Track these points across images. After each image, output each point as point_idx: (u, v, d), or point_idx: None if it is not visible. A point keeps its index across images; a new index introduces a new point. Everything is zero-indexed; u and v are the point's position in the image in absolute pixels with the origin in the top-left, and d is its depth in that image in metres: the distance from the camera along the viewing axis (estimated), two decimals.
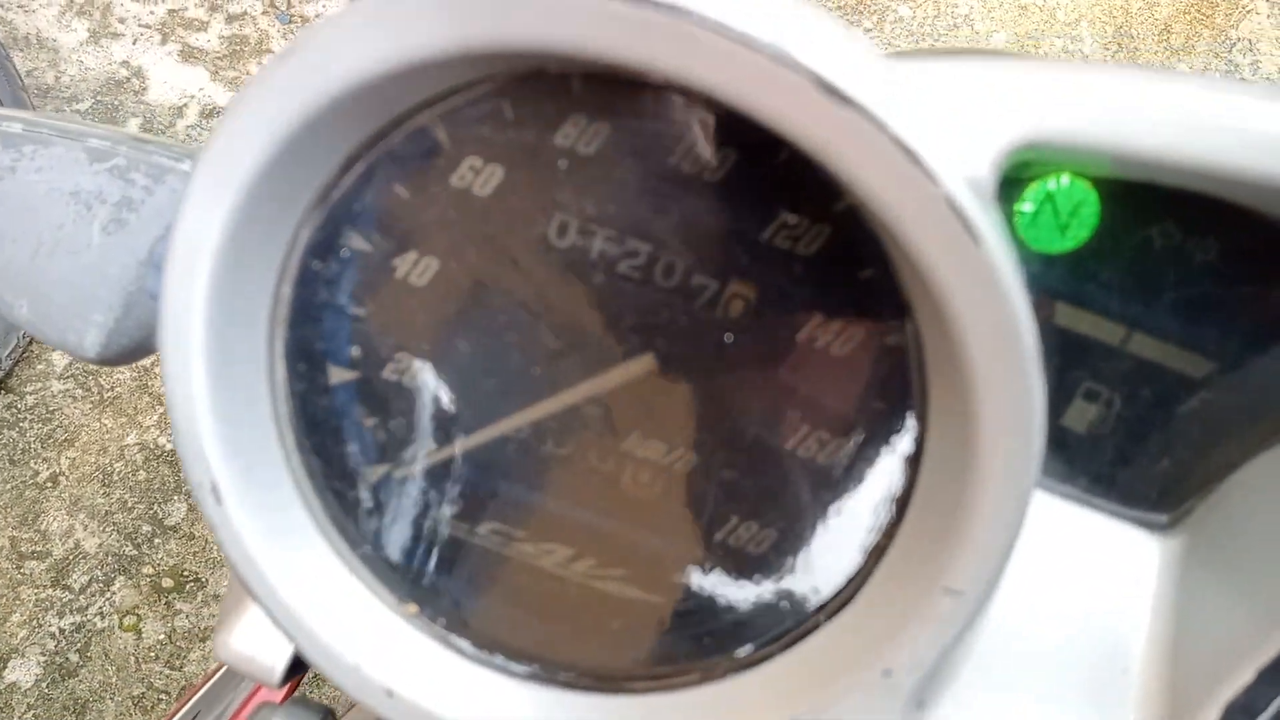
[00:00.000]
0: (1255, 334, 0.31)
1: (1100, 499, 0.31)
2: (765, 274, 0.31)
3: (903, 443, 0.29)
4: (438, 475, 0.35)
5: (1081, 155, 0.26)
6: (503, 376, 0.33)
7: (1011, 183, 0.32)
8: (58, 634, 1.53)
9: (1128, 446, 0.32)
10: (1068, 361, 0.32)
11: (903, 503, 0.29)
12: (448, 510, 0.35)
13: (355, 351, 0.33)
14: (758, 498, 0.33)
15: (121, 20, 1.62)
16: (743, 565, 0.33)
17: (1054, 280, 0.32)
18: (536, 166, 0.30)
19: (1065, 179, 0.31)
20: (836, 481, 0.32)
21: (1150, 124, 0.25)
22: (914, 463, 0.29)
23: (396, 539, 0.35)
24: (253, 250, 0.27)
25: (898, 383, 0.29)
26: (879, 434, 0.31)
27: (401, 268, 0.32)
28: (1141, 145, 0.24)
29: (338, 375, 0.34)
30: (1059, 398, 0.32)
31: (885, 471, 0.30)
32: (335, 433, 0.34)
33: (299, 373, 0.32)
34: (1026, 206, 0.32)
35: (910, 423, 0.29)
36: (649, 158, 0.30)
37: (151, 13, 1.62)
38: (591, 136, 0.30)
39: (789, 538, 0.32)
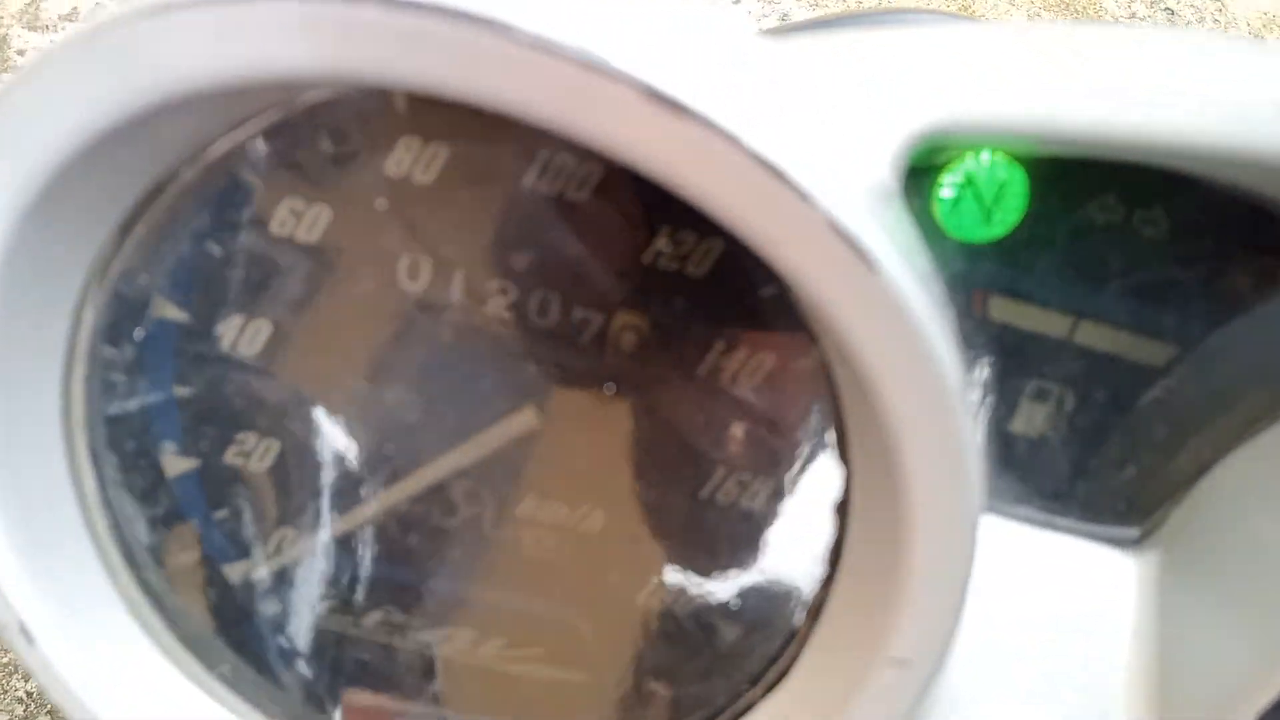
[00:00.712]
0: (1216, 311, 0.28)
1: (1061, 517, 0.27)
2: (654, 301, 0.27)
3: (829, 487, 0.25)
4: (307, 565, 0.30)
5: (999, 138, 0.22)
6: (367, 448, 0.28)
7: (927, 168, 0.28)
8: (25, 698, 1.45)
9: (1086, 452, 0.28)
10: (1010, 360, 0.28)
11: (836, 558, 0.25)
12: (324, 604, 0.30)
13: (187, 438, 0.28)
14: (678, 554, 0.29)
15: None
16: (668, 632, 0.29)
17: (985, 272, 0.28)
18: (369, 202, 0.26)
19: (986, 157, 0.27)
20: (764, 531, 0.28)
21: (1076, 98, 0.21)
22: (843, 511, 0.24)
23: (266, 647, 0.30)
24: (16, 349, 0.22)
25: (816, 416, 0.25)
26: (801, 476, 0.27)
27: (227, 335, 0.27)
28: (1067, 123, 0.20)
29: (173, 466, 0.29)
30: (1004, 401, 0.29)
31: (814, 520, 0.26)
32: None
33: (116, 474, 0.27)
34: (946, 192, 0.28)
35: (834, 463, 0.25)
36: (499, 180, 0.25)
37: None
38: (429, 161, 0.25)
39: (716, 597, 0.28)
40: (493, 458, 0.28)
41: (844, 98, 0.20)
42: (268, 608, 0.31)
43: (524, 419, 0.27)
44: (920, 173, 0.28)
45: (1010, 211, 0.28)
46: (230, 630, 0.31)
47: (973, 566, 0.21)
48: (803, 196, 0.16)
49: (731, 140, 0.16)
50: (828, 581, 0.25)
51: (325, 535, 0.29)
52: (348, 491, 0.30)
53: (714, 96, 0.16)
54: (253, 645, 0.31)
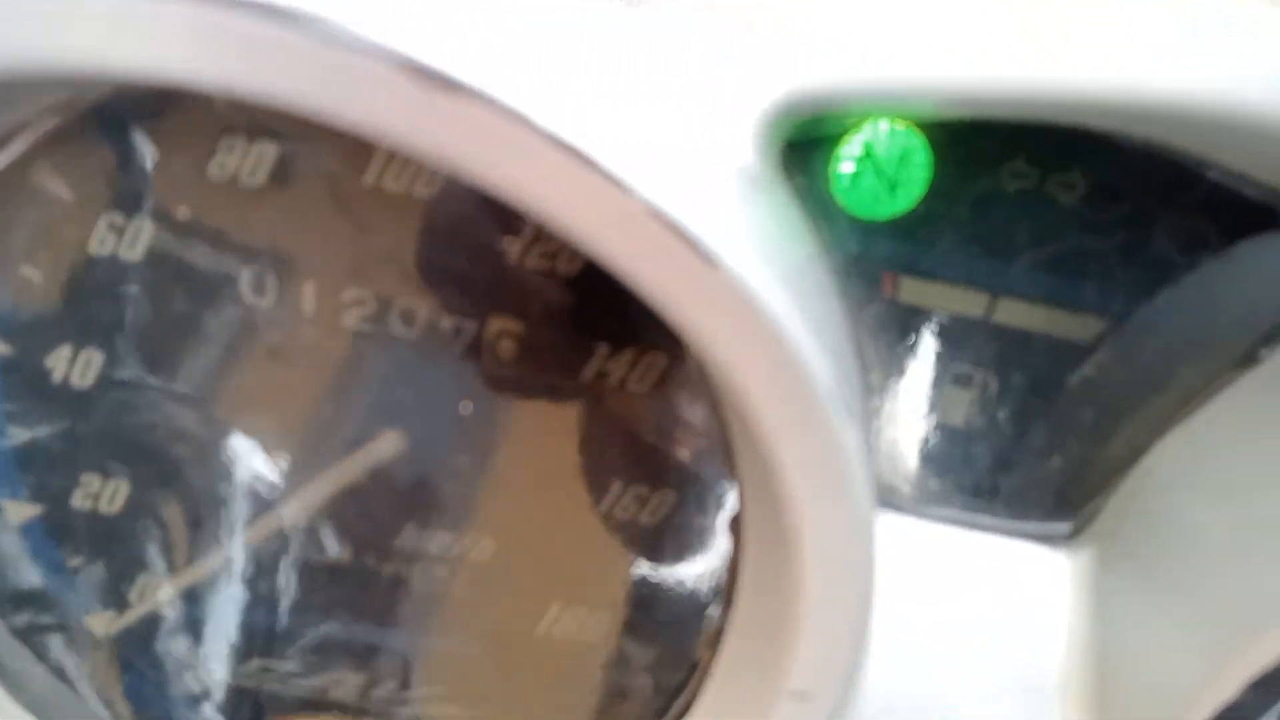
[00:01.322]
0: (1142, 281, 0.26)
1: (987, 515, 0.25)
2: (528, 303, 0.24)
3: (725, 502, 0.23)
4: (174, 613, 0.27)
5: (883, 103, 0.19)
6: (223, 483, 0.26)
7: (822, 140, 0.26)
8: None
9: (1010, 443, 0.26)
10: (927, 345, 0.26)
11: (734, 581, 0.22)
12: (197, 654, 0.28)
13: (29, 482, 0.26)
14: (579, 578, 0.26)
15: None
16: (569, 664, 0.27)
17: (894, 251, 0.26)
18: (197, 212, 0.23)
19: (884, 126, 0.25)
20: (665, 549, 0.25)
21: (966, 52, 0.19)
22: (738, 529, 0.22)
23: (139, 698, 0.27)
24: None
25: (704, 423, 0.23)
26: (695, 489, 0.24)
27: (57, 368, 0.24)
28: (954, 85, 0.17)
29: (16, 513, 0.26)
30: (923, 389, 0.26)
31: (712, 538, 0.23)
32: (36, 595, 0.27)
33: None
34: (845, 167, 0.26)
35: (725, 475, 0.22)
36: (338, 179, 0.23)
37: None
38: (256, 162, 0.22)
39: (616, 624, 0.26)
40: (360, 487, 0.25)
41: (696, 66, 0.17)
42: (138, 658, 0.28)
43: (388, 443, 0.25)
44: (815, 146, 0.25)
45: (914, 184, 0.26)
46: (99, 680, 0.28)
47: (871, 589, 0.18)
48: (614, 182, 0.14)
49: (518, 120, 0.13)
50: (727, 607, 0.23)
51: (190, 580, 0.27)
52: (209, 531, 0.27)
53: (495, 68, 0.13)
54: (130, 695, 0.28)
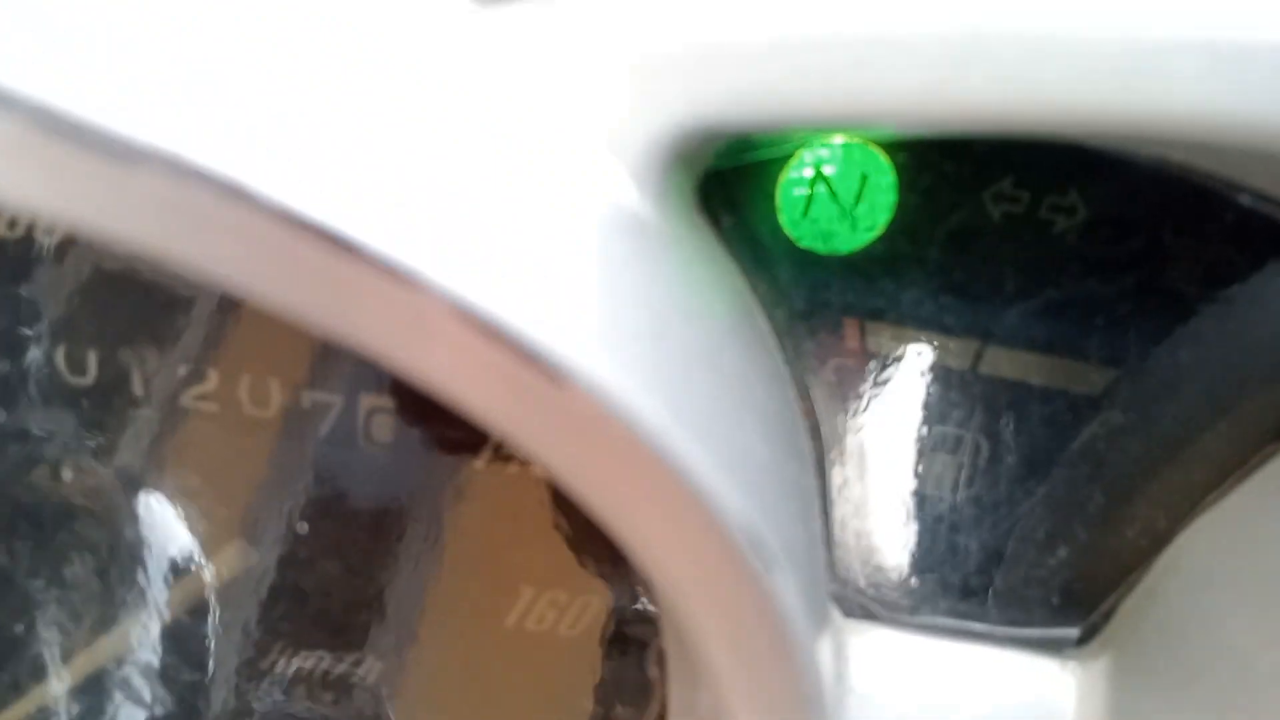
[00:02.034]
0: (1158, 321, 0.21)
1: (977, 621, 0.20)
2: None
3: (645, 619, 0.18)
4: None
5: (816, 125, 0.15)
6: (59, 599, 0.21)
7: (763, 162, 0.21)
8: None
9: (1004, 526, 0.21)
10: (900, 405, 0.22)
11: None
12: None
13: None
14: (487, 701, 0.22)
15: None
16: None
17: (857, 292, 0.22)
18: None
19: (838, 142, 0.20)
20: (589, 669, 0.21)
21: (921, 59, 0.14)
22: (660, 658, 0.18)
23: None
24: None
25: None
26: (624, 589, 0.20)
27: None
28: (911, 101, 0.13)
29: None
30: (895, 461, 0.22)
31: (634, 663, 0.19)
32: None
33: None
34: (795, 192, 0.21)
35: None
36: None
37: None
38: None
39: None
40: (211, 605, 0.21)
41: (526, 92, 0.13)
42: None
43: (234, 554, 0.20)
44: (754, 170, 0.21)
45: (877, 211, 0.21)
46: None
47: None
48: (386, 268, 0.09)
49: (226, 187, 0.09)
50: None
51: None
52: (66, 635, 0.22)
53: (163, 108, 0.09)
54: None
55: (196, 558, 0.22)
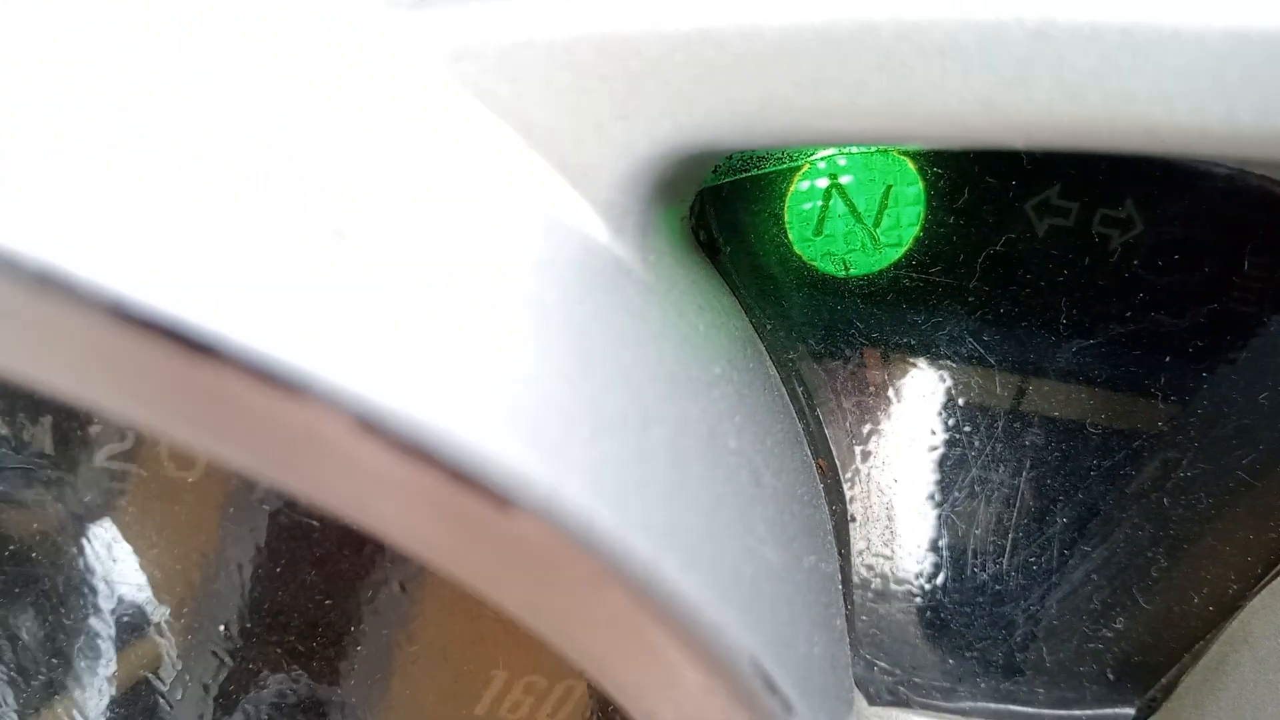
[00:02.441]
0: (1225, 349, 0.18)
1: (1022, 703, 0.17)
2: None
3: None
4: None
5: (814, 139, 0.12)
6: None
7: (779, 173, 0.18)
8: None
9: (1052, 590, 0.18)
10: (931, 450, 0.19)
11: None
12: None
13: None
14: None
15: None
16: None
17: (879, 319, 0.19)
18: None
19: (855, 148, 0.17)
20: None
21: (935, 70, 0.11)
22: None
23: None
24: None
25: None
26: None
27: None
28: (926, 112, 0.10)
29: None
30: (925, 512, 0.19)
31: None
32: None
33: None
34: (806, 207, 0.18)
35: None
36: None
37: None
38: None
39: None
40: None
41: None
42: None
43: (146, 652, 0.17)
44: (759, 182, 0.18)
45: (903, 225, 0.18)
46: None
47: None
48: (264, 374, 0.06)
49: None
50: None
51: None
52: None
53: None
54: None
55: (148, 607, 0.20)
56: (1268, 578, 0.17)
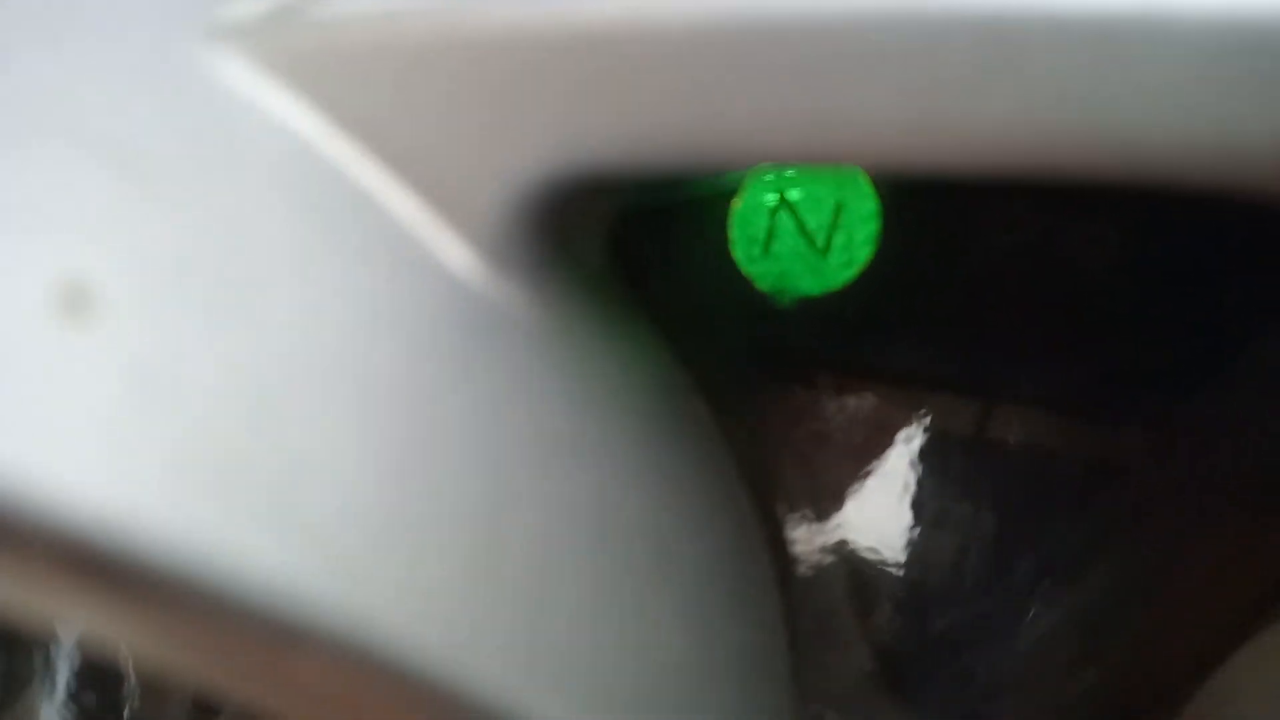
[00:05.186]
0: (1205, 374, 0.17)
1: None
2: None
3: None
4: None
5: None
6: None
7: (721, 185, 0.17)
8: None
9: (1017, 633, 0.17)
10: (884, 479, 0.18)
11: None
12: None
13: None
14: None
15: None
16: None
17: (834, 342, 0.17)
18: None
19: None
20: None
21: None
22: None
23: None
24: None
25: None
26: None
27: None
28: (849, 141, 0.09)
29: None
30: (882, 545, 0.18)
31: None
32: None
33: None
34: (755, 224, 0.17)
35: None
36: None
37: None
38: None
39: None
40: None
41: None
42: None
43: None
44: (695, 200, 0.17)
45: (857, 244, 0.17)
46: None
47: None
48: None
49: None
50: None
51: None
52: None
53: None
54: None
55: None
56: (1253, 628, 0.16)
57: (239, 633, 0.06)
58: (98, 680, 0.21)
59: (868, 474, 0.17)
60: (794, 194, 0.16)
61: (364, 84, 0.09)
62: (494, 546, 0.07)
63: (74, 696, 0.21)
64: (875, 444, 0.17)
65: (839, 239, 0.16)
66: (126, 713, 0.21)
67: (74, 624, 0.07)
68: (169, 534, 0.06)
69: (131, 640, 0.07)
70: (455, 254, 0.09)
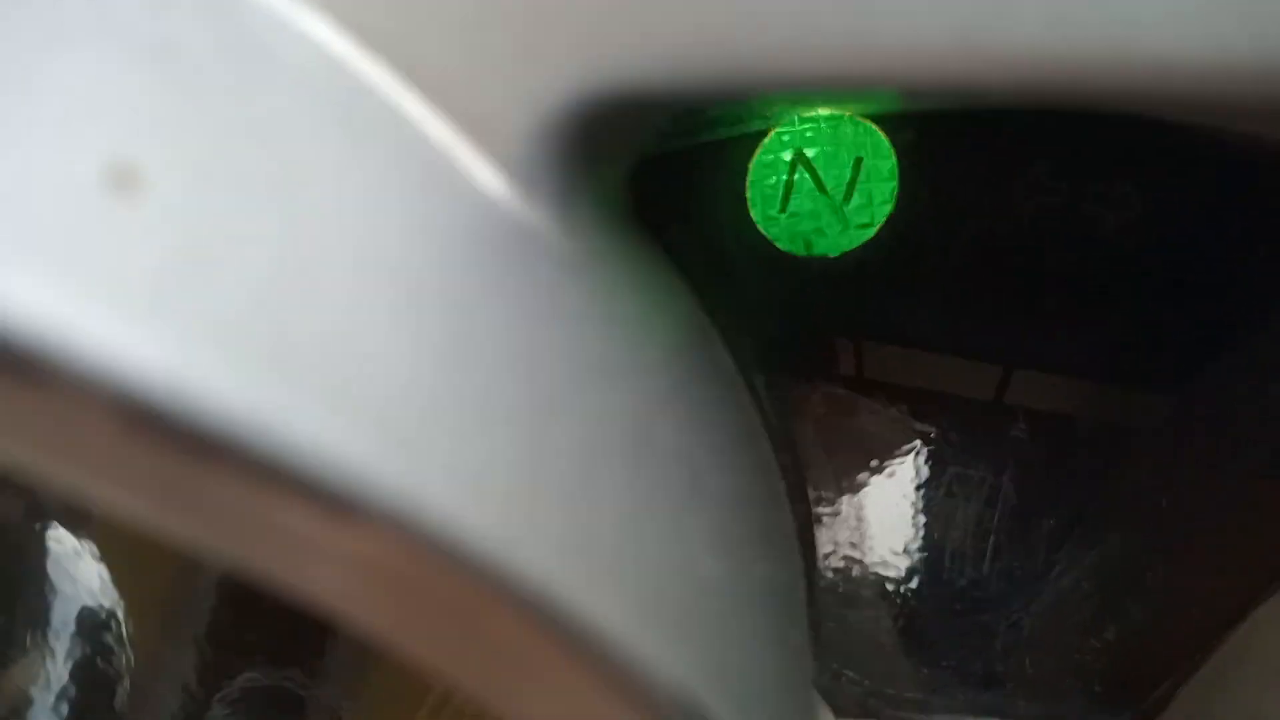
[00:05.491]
0: (1228, 339, 0.17)
1: (1001, 718, 0.16)
2: None
3: None
4: None
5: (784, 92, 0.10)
6: None
7: (741, 138, 0.17)
8: None
9: (1035, 596, 0.17)
10: (906, 444, 0.17)
11: None
12: None
13: None
14: None
15: None
16: None
17: (853, 304, 0.17)
18: None
19: (824, 114, 0.16)
20: None
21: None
22: None
23: None
24: None
25: None
26: None
27: None
28: (888, 54, 0.08)
29: None
30: (911, 509, 0.17)
31: None
32: None
33: None
34: (769, 181, 0.17)
35: None
36: None
37: None
38: None
39: None
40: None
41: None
42: None
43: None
44: (713, 153, 0.17)
45: (875, 202, 0.17)
46: None
47: None
48: None
49: None
50: None
51: None
52: None
53: None
54: None
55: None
56: (1271, 589, 0.15)
57: (294, 505, 0.06)
58: (92, 647, 0.21)
59: (887, 435, 0.17)
60: (812, 151, 0.16)
61: (392, 6, 0.09)
62: (538, 442, 0.07)
63: (71, 669, 0.21)
64: (894, 406, 0.17)
65: (857, 197, 0.16)
66: (120, 689, 0.21)
67: (112, 493, 0.07)
68: (223, 394, 0.06)
69: (175, 515, 0.07)
70: (485, 175, 0.09)
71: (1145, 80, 0.08)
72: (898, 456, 0.17)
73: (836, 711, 0.16)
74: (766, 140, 0.16)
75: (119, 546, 0.20)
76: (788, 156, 0.16)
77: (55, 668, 0.20)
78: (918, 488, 0.17)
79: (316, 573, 0.06)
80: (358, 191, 0.08)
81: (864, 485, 0.17)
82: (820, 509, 0.16)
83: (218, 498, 0.06)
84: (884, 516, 0.17)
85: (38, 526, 0.20)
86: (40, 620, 0.20)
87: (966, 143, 0.16)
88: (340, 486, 0.06)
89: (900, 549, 0.17)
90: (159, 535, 0.07)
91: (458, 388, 0.07)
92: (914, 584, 0.17)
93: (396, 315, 0.07)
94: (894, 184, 0.16)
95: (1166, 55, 0.08)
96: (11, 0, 0.08)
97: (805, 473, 0.16)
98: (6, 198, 0.07)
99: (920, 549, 0.17)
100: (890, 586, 0.16)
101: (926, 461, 0.17)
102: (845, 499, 0.17)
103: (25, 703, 0.20)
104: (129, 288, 0.07)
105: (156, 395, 0.06)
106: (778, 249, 0.17)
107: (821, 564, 0.16)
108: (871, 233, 0.17)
